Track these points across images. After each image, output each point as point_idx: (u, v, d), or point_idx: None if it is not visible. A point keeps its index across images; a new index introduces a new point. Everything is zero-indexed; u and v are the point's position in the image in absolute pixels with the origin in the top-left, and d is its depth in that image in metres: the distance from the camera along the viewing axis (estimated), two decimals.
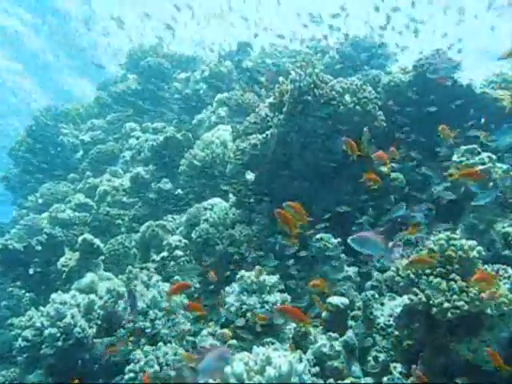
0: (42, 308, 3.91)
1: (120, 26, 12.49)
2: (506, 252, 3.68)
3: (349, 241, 2.60)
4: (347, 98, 4.59)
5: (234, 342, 3.30)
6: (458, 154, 4.12)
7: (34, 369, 3.71)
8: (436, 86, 4.97)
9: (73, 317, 3.80)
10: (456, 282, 2.85)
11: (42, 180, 8.93)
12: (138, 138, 8.75)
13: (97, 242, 5.44)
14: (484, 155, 3.95)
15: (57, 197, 8.04)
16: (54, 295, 4.01)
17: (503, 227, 3.81)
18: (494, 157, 3.94)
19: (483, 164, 3.87)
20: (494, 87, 5.26)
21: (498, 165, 3.95)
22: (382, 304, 3.54)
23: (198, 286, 4.55)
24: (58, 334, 3.68)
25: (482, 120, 4.77)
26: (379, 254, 3.12)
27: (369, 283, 3.93)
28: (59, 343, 3.64)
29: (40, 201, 8.20)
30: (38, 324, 3.72)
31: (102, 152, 8.76)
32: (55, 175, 9.03)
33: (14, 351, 3.77)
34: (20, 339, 3.74)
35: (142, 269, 4.70)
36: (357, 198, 4.56)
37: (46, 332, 3.65)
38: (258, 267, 3.87)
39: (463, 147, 4.08)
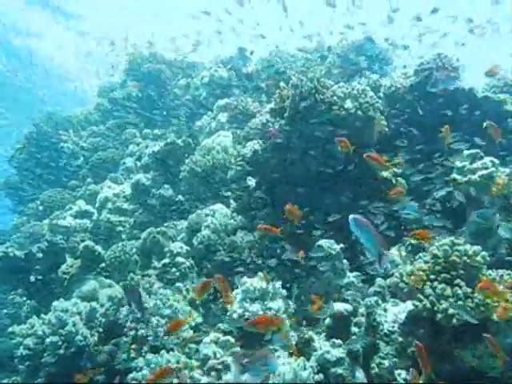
0: (43, 316, 3.89)
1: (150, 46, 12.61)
2: (510, 257, 3.66)
3: (350, 217, 2.49)
4: (348, 103, 4.58)
5: (237, 349, 3.28)
6: (460, 159, 4.10)
7: (35, 377, 3.68)
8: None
9: (74, 325, 3.77)
10: (461, 287, 2.83)
11: (42, 187, 8.92)
12: (138, 145, 8.75)
13: (98, 248, 5.41)
14: (487, 160, 3.93)
15: (57, 204, 8.01)
16: (55, 303, 3.99)
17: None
18: (496, 161, 3.92)
19: (486, 168, 3.86)
20: (495, 91, 5.25)
21: (501, 169, 3.93)
22: (386, 310, 3.51)
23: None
24: (60, 343, 3.65)
25: (485, 124, 4.76)
26: (371, 254, 3.02)
27: (372, 289, 3.90)
28: (61, 351, 3.62)
29: (41, 208, 8.17)
30: (40, 332, 3.70)
31: (103, 159, 8.74)
32: (56, 182, 9.02)
33: (16, 359, 3.74)
34: (21, 347, 3.71)
35: (143, 276, 4.68)
36: (356, 203, 4.55)
37: (48, 340, 3.63)
38: (263, 273, 3.86)
39: (466, 152, 4.07)
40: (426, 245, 3.37)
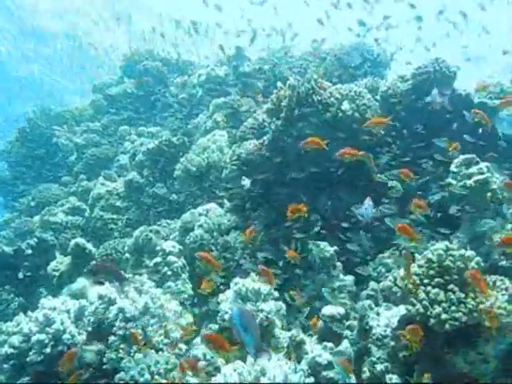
0: (30, 313, 3.81)
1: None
2: (503, 263, 3.64)
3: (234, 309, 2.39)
4: (346, 104, 4.55)
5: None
6: (455, 164, 4.08)
7: (20, 377, 3.60)
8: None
9: (62, 323, 3.70)
10: (454, 292, 2.81)
11: (34, 183, 8.84)
12: (133, 142, 8.69)
13: (89, 246, 5.35)
14: (482, 165, 3.91)
15: (49, 200, 7.94)
16: (43, 300, 3.91)
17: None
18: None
19: (482, 174, 3.84)
20: (491, 97, 5.23)
21: (496, 175, 3.92)
22: (378, 314, 3.49)
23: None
24: (47, 341, 3.58)
25: (480, 130, 4.76)
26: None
27: (364, 292, 3.88)
28: (47, 350, 3.54)
29: (32, 203, 8.09)
30: (26, 330, 3.62)
31: (97, 155, 8.68)
32: (48, 178, 8.94)
33: (0, 358, 3.66)
34: (6, 345, 3.63)
35: (134, 274, 4.62)
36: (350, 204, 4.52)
37: (34, 338, 3.55)
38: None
39: (462, 156, 4.05)
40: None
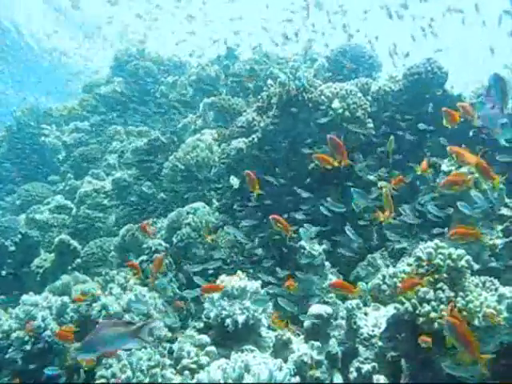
0: (10, 310, 3.72)
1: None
2: (493, 264, 3.62)
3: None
4: (336, 103, 4.51)
5: (212, 348, 3.16)
6: (446, 164, 4.06)
7: None
8: (426, 95, 4.94)
9: (44, 319, 3.61)
10: (444, 291, 2.77)
11: (21, 181, 8.72)
12: (122, 141, 8.61)
13: (74, 243, 5.26)
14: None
15: (35, 198, 7.82)
16: (24, 296, 3.82)
17: (490, 239, 3.75)
18: None
19: (472, 173, 3.82)
20: (482, 100, 5.23)
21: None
22: (366, 314, 3.44)
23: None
24: (27, 338, 3.49)
25: (471, 133, 4.76)
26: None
27: None
28: (27, 347, 3.46)
29: (18, 202, 7.97)
30: (6, 327, 3.52)
31: (85, 154, 8.57)
32: (35, 176, 8.82)
33: None
34: None
35: (119, 271, 4.54)
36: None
37: (14, 335, 3.46)
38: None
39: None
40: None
